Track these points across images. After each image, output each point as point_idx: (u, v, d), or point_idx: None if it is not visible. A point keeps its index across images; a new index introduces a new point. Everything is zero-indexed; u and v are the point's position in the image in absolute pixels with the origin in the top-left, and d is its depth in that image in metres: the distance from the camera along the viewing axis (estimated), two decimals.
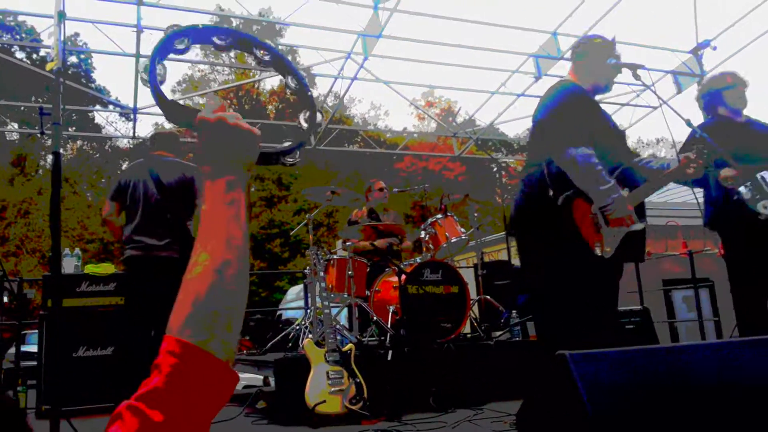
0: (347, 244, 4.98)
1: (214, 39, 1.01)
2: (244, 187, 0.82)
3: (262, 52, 1.06)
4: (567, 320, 2.65)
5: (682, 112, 2.94)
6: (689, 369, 1.57)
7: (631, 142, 32.35)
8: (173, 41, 0.96)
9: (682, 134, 3.71)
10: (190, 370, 0.67)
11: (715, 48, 8.58)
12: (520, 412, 2.86)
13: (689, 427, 1.45)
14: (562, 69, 8.65)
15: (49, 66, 1.72)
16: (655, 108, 9.58)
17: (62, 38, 1.81)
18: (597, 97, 2.99)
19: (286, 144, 0.97)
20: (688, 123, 3.07)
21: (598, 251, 2.61)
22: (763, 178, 3.38)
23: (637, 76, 2.96)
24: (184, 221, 3.77)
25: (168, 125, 10.43)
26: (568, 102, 2.76)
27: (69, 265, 4.51)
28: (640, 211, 2.74)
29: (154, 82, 0.89)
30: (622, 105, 9.68)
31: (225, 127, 0.82)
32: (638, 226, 2.65)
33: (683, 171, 2.73)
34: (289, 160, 0.96)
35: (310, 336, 4.06)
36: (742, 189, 3.33)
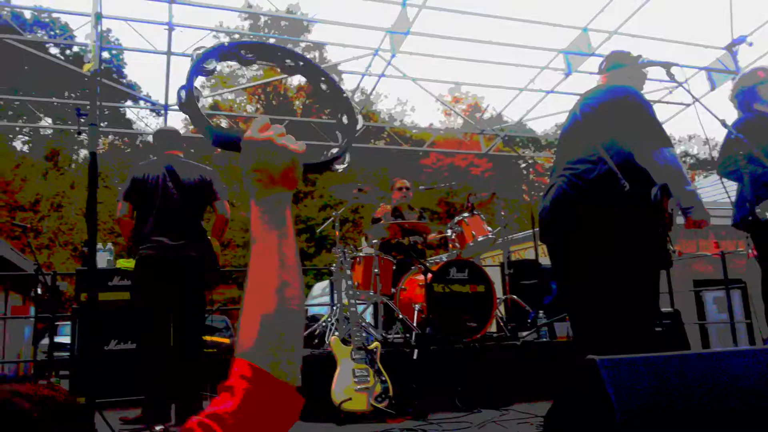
0: (373, 241, 4.99)
1: (241, 53, 1.01)
2: (290, 205, 0.83)
3: (289, 61, 1.06)
4: (617, 325, 2.60)
5: (715, 109, 2.88)
6: (719, 375, 1.54)
7: None
8: (202, 65, 0.97)
9: (714, 131, 3.65)
10: (262, 395, 0.70)
11: (750, 44, 8.38)
12: (548, 414, 2.83)
13: None
14: (593, 65, 8.51)
15: (86, 67, 1.75)
16: (688, 105, 9.39)
17: (99, 40, 1.85)
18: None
19: (334, 150, 0.97)
20: (723, 123, 3.00)
21: (670, 247, 2.60)
22: None
23: (671, 75, 2.90)
24: (200, 221, 3.77)
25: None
26: (646, 102, 2.74)
27: (101, 259, 4.61)
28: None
29: (196, 114, 0.90)
30: (655, 102, 9.49)
31: (273, 147, 0.82)
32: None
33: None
34: (338, 167, 0.96)
35: (336, 333, 4.08)
36: None
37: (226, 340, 4.59)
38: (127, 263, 4.54)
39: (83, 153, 23.27)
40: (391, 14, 7.42)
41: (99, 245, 4.64)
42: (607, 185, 2.56)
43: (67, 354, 5.63)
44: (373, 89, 9.33)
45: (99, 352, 4.28)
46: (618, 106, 2.69)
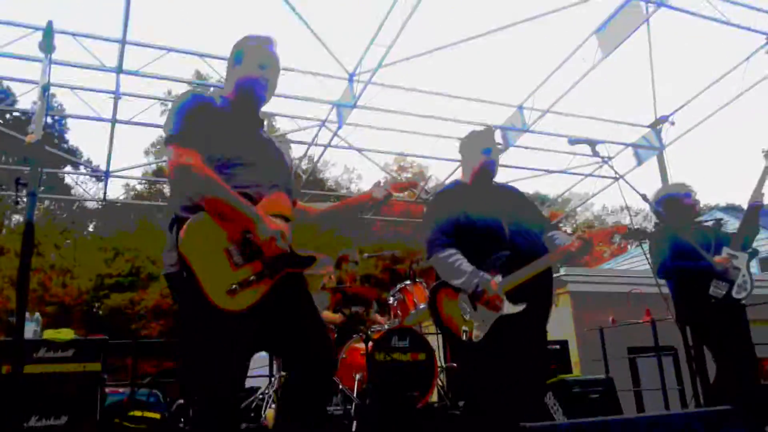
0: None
1: None
2: None
3: None
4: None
5: (641, 183, 3.12)
6: None
7: (596, 209, 33.10)
8: None
9: (642, 203, 3.95)
10: None
11: (673, 123, 9.08)
12: None
13: None
14: (528, 140, 9.03)
15: (28, 139, 1.77)
16: (616, 179, 9.99)
17: (45, 111, 1.87)
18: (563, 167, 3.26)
19: None
20: (644, 197, 3.25)
21: (464, 337, 2.80)
22: None
23: (595, 152, 3.15)
24: None
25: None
26: (432, 204, 3.27)
27: (28, 330, 4.39)
28: (534, 290, 2.85)
29: None
30: (585, 176, 10.08)
31: None
32: (511, 309, 2.77)
33: (568, 251, 2.92)
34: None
35: (273, 406, 3.98)
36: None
37: (157, 416, 4.38)
38: (57, 334, 4.34)
39: (15, 218, 22.31)
40: (338, 88, 7.71)
41: (27, 315, 4.42)
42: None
43: None
44: (320, 157, 9.50)
45: (18, 429, 4.00)
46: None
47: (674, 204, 4.03)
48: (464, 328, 2.80)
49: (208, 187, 1.89)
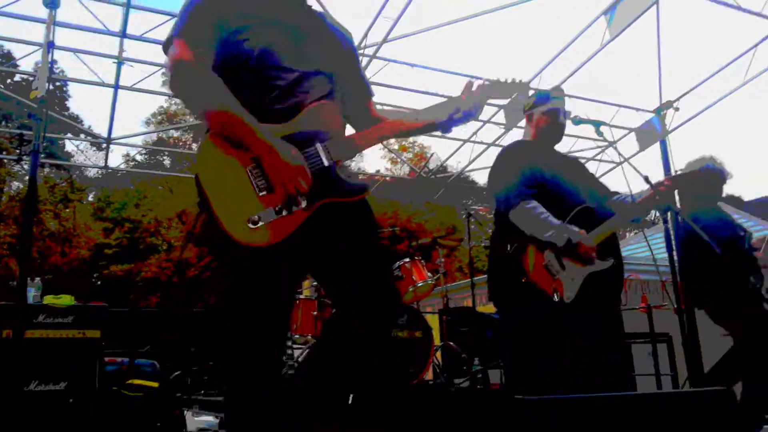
0: (314, 284, 4.99)
1: None
2: None
3: None
4: (528, 370, 2.69)
5: (644, 169, 3.10)
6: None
7: None
8: None
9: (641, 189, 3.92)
10: None
11: (677, 109, 9.02)
12: None
13: None
14: None
15: (32, 94, 1.74)
16: (618, 164, 9.95)
17: (50, 69, 1.85)
18: (565, 150, 3.18)
19: None
20: (646, 179, 3.24)
21: (555, 297, 2.63)
22: None
23: (599, 133, 3.12)
24: None
25: None
26: (505, 157, 3.01)
27: (28, 295, 4.39)
28: (611, 250, 2.77)
29: None
30: (588, 159, 10.04)
31: None
32: (603, 265, 2.68)
33: (653, 198, 2.81)
34: None
35: None
36: None
37: (155, 384, 4.41)
38: (56, 300, 4.35)
39: (15, 185, 22.26)
40: None
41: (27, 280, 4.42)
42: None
43: None
44: None
45: (18, 393, 4.04)
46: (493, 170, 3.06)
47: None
48: (554, 286, 2.63)
49: (207, 93, 1.55)
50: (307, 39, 1.72)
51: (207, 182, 1.51)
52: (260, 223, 1.52)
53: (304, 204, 1.59)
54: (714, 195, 3.99)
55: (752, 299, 3.70)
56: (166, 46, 1.63)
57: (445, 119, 1.86)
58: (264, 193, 1.56)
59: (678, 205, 3.89)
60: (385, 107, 8.57)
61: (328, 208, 1.65)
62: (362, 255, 1.73)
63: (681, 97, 8.88)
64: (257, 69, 1.63)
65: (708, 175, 3.92)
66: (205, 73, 1.57)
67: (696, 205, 3.85)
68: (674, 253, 3.50)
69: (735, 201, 15.35)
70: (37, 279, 4.57)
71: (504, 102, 8.78)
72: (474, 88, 1.87)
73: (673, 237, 3.87)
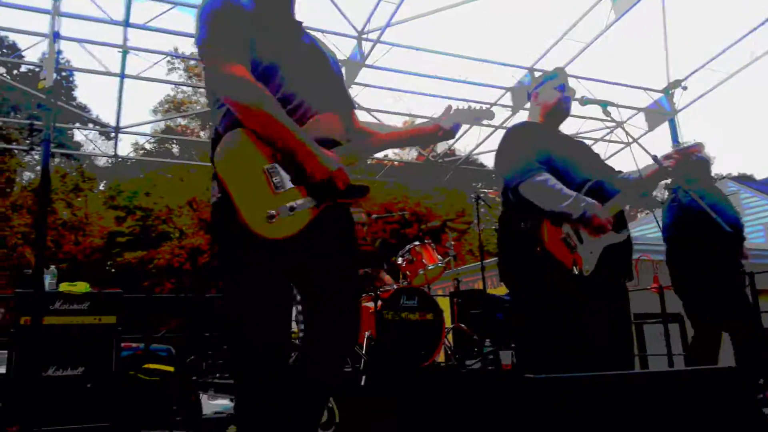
0: None
1: None
2: None
3: None
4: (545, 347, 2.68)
5: (652, 149, 3.08)
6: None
7: None
8: None
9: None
10: None
11: (685, 88, 8.93)
12: None
13: None
14: None
15: (40, 85, 1.76)
16: (627, 144, 9.88)
17: (56, 58, 1.87)
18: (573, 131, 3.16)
19: None
20: (655, 158, 3.22)
21: (575, 271, 2.60)
22: None
23: (607, 113, 3.10)
24: None
25: None
26: (512, 136, 2.96)
27: (44, 283, 4.46)
28: (621, 223, 2.76)
29: None
30: (596, 140, 9.97)
31: None
32: (619, 237, 2.67)
33: (663, 170, 2.80)
34: None
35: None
36: None
37: (171, 368, 4.48)
38: (71, 287, 4.42)
39: (27, 175, 22.44)
40: (347, 47, 7.61)
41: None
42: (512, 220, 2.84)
43: None
44: None
45: (37, 378, 4.12)
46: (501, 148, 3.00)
47: None
48: (573, 258, 2.59)
49: (260, 102, 1.66)
50: (308, 66, 1.88)
51: (229, 173, 1.63)
52: (276, 218, 1.64)
53: (314, 203, 1.73)
54: (710, 177, 4.08)
55: (739, 288, 3.83)
56: (200, 53, 1.74)
57: (429, 136, 2.14)
58: (281, 190, 1.69)
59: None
60: (390, 90, 8.55)
61: (329, 209, 1.78)
62: (341, 274, 1.88)
63: (689, 76, 8.78)
64: (263, 82, 1.73)
65: (701, 162, 4.02)
66: (251, 83, 1.69)
67: (699, 186, 3.86)
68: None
69: (746, 179, 15.21)
70: (53, 267, 4.64)
71: (511, 84, 8.73)
72: (451, 112, 2.12)
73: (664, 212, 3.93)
